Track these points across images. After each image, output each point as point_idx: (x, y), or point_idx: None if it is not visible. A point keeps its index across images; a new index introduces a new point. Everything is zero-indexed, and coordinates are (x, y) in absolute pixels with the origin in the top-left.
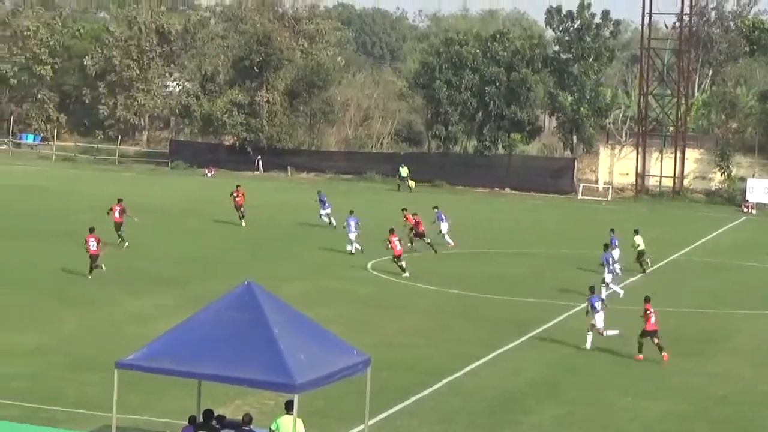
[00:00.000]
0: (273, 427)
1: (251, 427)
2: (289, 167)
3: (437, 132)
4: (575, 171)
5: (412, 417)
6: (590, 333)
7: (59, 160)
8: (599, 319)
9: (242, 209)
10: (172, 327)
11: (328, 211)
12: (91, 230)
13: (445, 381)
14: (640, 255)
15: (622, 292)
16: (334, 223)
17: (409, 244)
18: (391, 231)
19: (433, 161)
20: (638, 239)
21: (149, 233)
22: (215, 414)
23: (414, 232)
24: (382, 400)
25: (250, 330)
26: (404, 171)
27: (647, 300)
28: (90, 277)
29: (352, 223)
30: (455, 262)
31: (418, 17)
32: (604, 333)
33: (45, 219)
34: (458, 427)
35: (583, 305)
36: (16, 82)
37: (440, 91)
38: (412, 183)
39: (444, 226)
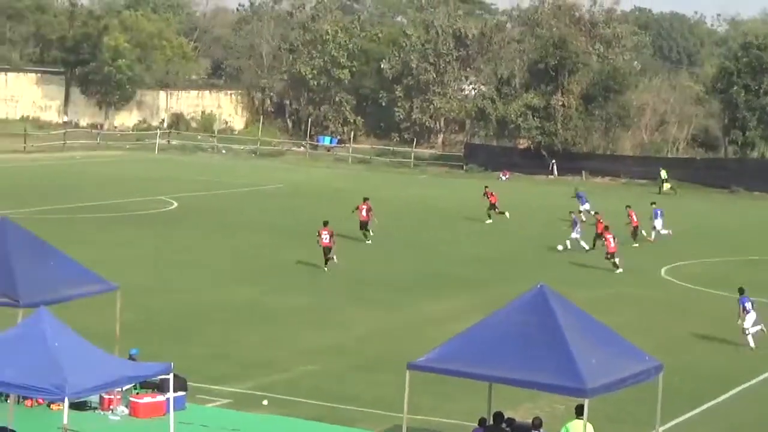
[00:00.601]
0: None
1: (541, 430)
2: (583, 171)
3: (734, 137)
4: None
5: (703, 425)
6: (748, 334)
7: (355, 162)
8: (749, 320)
9: (496, 207)
10: (464, 329)
11: (587, 207)
12: (325, 223)
13: (737, 389)
14: None
15: None
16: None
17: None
18: (606, 228)
19: (730, 167)
20: None
21: (445, 236)
22: (505, 416)
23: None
24: (673, 406)
25: (542, 333)
26: (663, 173)
27: None
28: (326, 270)
29: (578, 224)
30: (749, 270)
31: (717, 21)
32: (748, 331)
33: (343, 222)
34: None
35: None
36: (315, 84)
37: (738, 96)
38: (667, 185)
39: (659, 222)
